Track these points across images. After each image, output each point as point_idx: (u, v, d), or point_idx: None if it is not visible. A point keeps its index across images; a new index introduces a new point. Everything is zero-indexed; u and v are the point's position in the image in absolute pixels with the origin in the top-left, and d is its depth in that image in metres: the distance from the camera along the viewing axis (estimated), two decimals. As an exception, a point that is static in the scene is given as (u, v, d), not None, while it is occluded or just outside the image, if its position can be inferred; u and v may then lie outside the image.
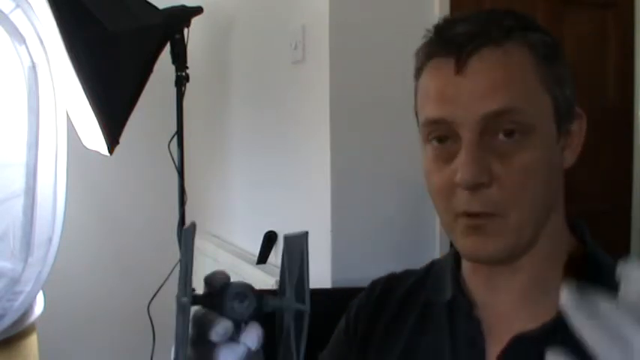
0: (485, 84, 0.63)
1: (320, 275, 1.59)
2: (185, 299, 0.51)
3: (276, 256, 1.87)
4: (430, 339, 0.74)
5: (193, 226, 0.55)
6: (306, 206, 1.71)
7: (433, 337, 0.74)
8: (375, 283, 0.88)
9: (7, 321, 1.77)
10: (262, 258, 1.86)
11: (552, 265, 0.69)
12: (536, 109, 0.64)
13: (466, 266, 0.76)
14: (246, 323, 0.54)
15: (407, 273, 0.87)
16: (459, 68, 0.64)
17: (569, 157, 0.70)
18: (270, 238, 1.86)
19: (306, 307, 0.53)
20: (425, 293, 0.79)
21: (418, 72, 0.71)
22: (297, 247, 0.55)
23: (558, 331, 0.64)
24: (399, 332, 0.78)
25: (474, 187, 0.63)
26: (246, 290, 0.55)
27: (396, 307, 0.81)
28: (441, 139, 0.66)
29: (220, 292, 0.55)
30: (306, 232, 0.55)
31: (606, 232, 1.93)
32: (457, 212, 0.65)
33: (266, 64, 1.93)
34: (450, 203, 0.66)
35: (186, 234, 0.55)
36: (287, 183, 1.82)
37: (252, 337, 0.54)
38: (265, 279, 1.73)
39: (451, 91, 0.64)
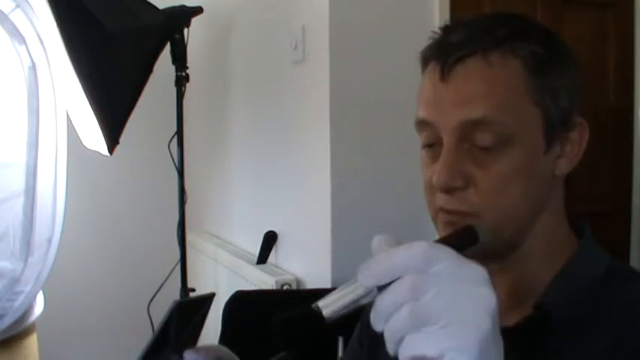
0: (465, 93, 0.66)
1: (320, 275, 1.59)
2: None
3: (275, 256, 1.87)
4: None
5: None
6: (306, 206, 1.71)
7: None
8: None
9: (7, 321, 1.77)
10: (262, 258, 1.86)
11: (541, 264, 0.70)
12: (517, 120, 0.66)
13: None
14: None
15: None
16: (443, 76, 0.67)
17: (564, 166, 0.70)
18: (270, 238, 1.86)
19: None
20: None
21: (422, 74, 0.74)
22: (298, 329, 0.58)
23: (533, 325, 0.66)
24: None
25: (447, 191, 0.67)
26: None
27: None
28: (430, 146, 0.70)
29: None
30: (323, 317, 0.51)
31: (606, 232, 1.94)
32: (436, 207, 0.69)
33: (266, 64, 1.93)
34: (432, 199, 0.70)
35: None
36: (287, 183, 1.82)
37: None
38: (265, 279, 1.73)
39: (435, 96, 0.68)
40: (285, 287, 1.67)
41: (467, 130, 0.66)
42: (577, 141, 0.70)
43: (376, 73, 1.61)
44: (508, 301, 0.71)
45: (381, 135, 1.62)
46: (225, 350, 0.61)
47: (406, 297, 0.46)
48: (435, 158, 0.68)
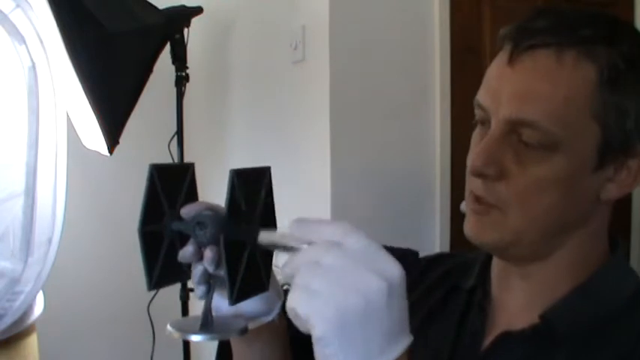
0: (526, 87, 0.62)
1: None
2: (142, 227, 0.63)
3: (275, 256, 1.87)
4: (444, 319, 0.76)
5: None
6: (306, 206, 1.71)
7: (446, 318, 0.76)
8: (423, 258, 0.90)
9: (7, 321, 1.76)
10: (262, 258, 1.86)
11: (564, 274, 0.68)
12: (569, 132, 0.61)
13: (493, 260, 0.77)
14: (205, 247, 0.63)
15: (456, 255, 0.88)
16: (511, 59, 0.63)
17: (613, 191, 0.65)
18: (270, 238, 1.86)
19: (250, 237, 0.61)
20: (455, 277, 0.81)
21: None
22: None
23: (541, 333, 0.65)
24: (422, 306, 0.80)
25: (479, 176, 0.64)
26: (205, 219, 0.62)
27: (431, 282, 0.83)
28: (483, 123, 0.68)
29: (190, 221, 0.64)
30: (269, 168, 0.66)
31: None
32: (469, 190, 0.68)
33: (266, 64, 1.93)
34: (469, 180, 0.68)
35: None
36: (287, 183, 1.82)
37: (208, 259, 0.62)
38: (265, 279, 1.73)
39: (497, 80, 0.65)
40: (285, 287, 1.67)
41: (515, 125, 0.63)
42: (635, 170, 0.64)
43: (376, 73, 1.61)
44: (524, 305, 0.70)
45: (380, 134, 1.62)
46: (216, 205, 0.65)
47: (313, 256, 0.50)
48: (480, 142, 0.66)
